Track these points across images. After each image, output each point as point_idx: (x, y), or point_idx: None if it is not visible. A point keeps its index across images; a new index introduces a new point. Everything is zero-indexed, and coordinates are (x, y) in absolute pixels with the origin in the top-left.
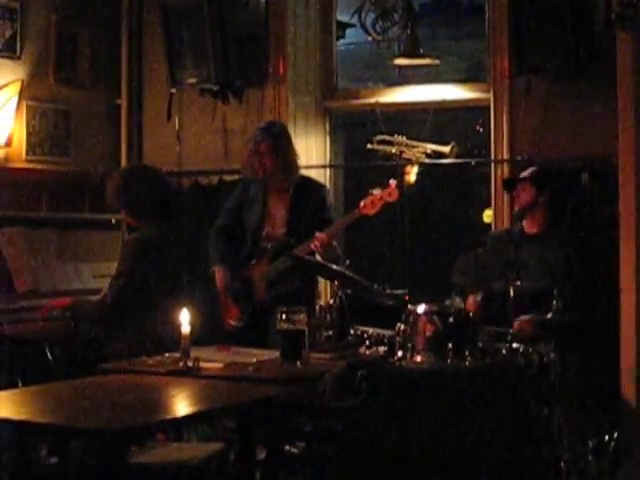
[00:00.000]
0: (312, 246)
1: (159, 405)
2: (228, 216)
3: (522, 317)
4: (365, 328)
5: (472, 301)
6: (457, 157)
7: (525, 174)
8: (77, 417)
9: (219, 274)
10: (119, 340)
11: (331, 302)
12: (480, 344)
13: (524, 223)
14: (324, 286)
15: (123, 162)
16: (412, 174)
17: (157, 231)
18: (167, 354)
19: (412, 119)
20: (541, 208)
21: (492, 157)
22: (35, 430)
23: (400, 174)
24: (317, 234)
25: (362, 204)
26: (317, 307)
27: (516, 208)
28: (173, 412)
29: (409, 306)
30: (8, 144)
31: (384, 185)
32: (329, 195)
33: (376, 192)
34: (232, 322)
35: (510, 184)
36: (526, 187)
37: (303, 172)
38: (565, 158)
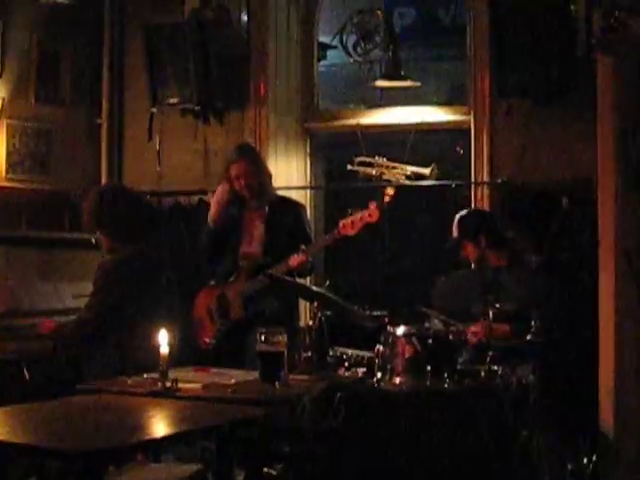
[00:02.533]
0: (289, 265)
1: (138, 426)
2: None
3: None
4: (344, 349)
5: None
6: (437, 179)
7: (455, 233)
8: (55, 438)
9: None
10: (98, 360)
11: (310, 323)
12: (459, 366)
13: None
14: (303, 307)
15: (103, 181)
16: (392, 196)
17: (133, 251)
18: (146, 375)
19: (393, 140)
20: (492, 249)
21: (472, 179)
22: (13, 450)
23: (381, 195)
24: (293, 256)
25: (342, 224)
26: (299, 328)
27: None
28: (152, 433)
29: (388, 328)
30: None
31: (364, 206)
32: (306, 212)
33: (356, 213)
34: (207, 340)
35: (453, 249)
36: (464, 245)
37: (284, 193)
38: (545, 181)
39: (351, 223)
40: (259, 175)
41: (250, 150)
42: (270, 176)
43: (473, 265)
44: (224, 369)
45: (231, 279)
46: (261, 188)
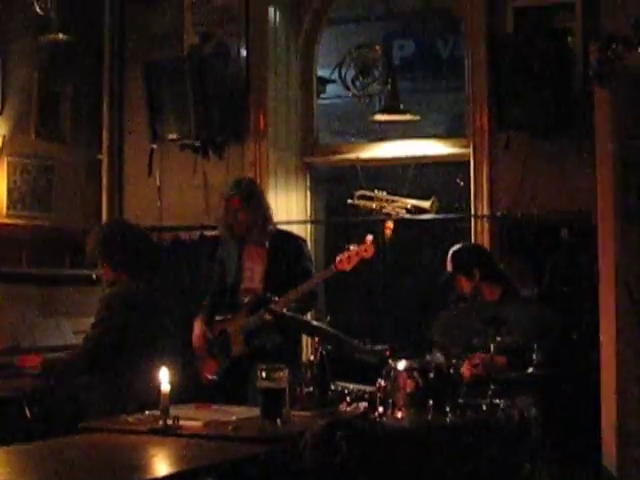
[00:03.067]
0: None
1: (139, 465)
2: (216, 280)
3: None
4: (346, 384)
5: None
6: (437, 212)
7: (448, 267)
8: (56, 478)
9: (195, 324)
10: (97, 392)
11: (312, 358)
12: (461, 400)
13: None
14: (305, 342)
15: (104, 217)
16: (392, 229)
17: (136, 286)
18: (147, 412)
19: (392, 174)
20: (486, 282)
21: (472, 212)
22: None
23: (381, 229)
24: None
25: (338, 259)
26: (303, 363)
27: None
28: (154, 472)
29: (389, 362)
30: None
31: (362, 240)
32: (307, 246)
33: (352, 247)
34: (209, 376)
35: (447, 283)
36: (458, 278)
37: (284, 227)
38: (544, 213)
39: (347, 258)
40: (253, 211)
41: (245, 185)
42: (268, 211)
43: (467, 298)
44: (226, 405)
45: (229, 315)
46: (255, 224)
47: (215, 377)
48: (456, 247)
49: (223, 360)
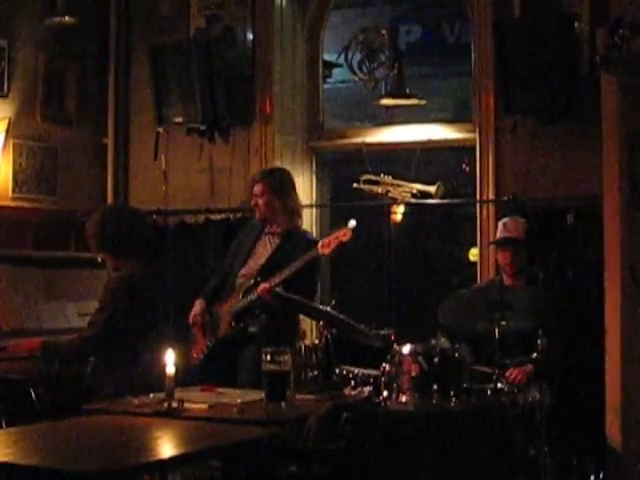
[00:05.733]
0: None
1: (144, 447)
2: (227, 259)
3: (515, 368)
4: (350, 368)
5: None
6: (443, 197)
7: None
8: (62, 459)
9: (195, 304)
10: (103, 377)
11: (317, 342)
12: (465, 385)
13: (504, 278)
14: (309, 326)
15: (109, 200)
16: (398, 214)
17: (138, 270)
18: (152, 395)
19: (398, 158)
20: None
21: (478, 197)
22: (19, 472)
23: (386, 214)
24: (262, 284)
25: (320, 244)
26: (299, 347)
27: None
28: (158, 454)
29: (395, 346)
30: None
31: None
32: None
33: (333, 232)
34: (195, 355)
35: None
36: (520, 250)
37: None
38: (550, 198)
39: (328, 242)
40: (274, 201)
41: (275, 175)
42: (296, 205)
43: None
44: (221, 388)
45: (225, 298)
46: (274, 214)
47: (201, 356)
48: (515, 217)
49: (210, 340)
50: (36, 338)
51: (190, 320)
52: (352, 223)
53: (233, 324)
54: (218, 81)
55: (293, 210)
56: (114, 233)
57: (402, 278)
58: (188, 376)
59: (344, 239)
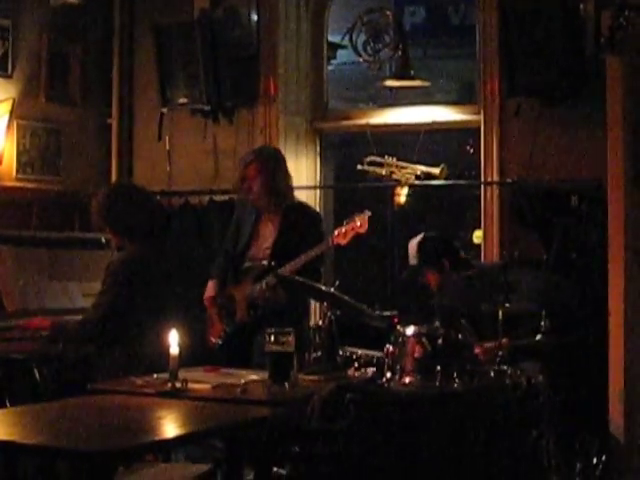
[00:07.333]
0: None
1: (147, 426)
2: (229, 240)
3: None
4: (354, 349)
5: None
6: (447, 178)
7: (413, 261)
8: (65, 438)
9: (208, 285)
10: (107, 359)
11: (320, 323)
12: (468, 366)
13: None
14: (313, 307)
15: (113, 181)
16: (402, 195)
17: (142, 250)
18: (155, 375)
19: (403, 140)
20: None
21: (482, 179)
22: (22, 451)
23: (390, 195)
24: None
25: (336, 233)
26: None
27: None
28: (161, 433)
29: (398, 328)
30: None
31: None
32: (321, 222)
33: (349, 223)
34: (213, 339)
35: (413, 276)
36: (425, 272)
37: (303, 199)
38: (555, 180)
39: (344, 233)
40: (265, 182)
41: (262, 155)
42: (288, 183)
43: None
44: (233, 369)
45: (236, 281)
46: (270, 194)
47: (219, 341)
48: (418, 239)
49: (228, 325)
50: (46, 318)
51: (205, 302)
52: (367, 213)
53: (251, 312)
54: (222, 62)
55: (284, 188)
56: (121, 208)
57: (406, 260)
58: (205, 358)
59: (361, 231)
